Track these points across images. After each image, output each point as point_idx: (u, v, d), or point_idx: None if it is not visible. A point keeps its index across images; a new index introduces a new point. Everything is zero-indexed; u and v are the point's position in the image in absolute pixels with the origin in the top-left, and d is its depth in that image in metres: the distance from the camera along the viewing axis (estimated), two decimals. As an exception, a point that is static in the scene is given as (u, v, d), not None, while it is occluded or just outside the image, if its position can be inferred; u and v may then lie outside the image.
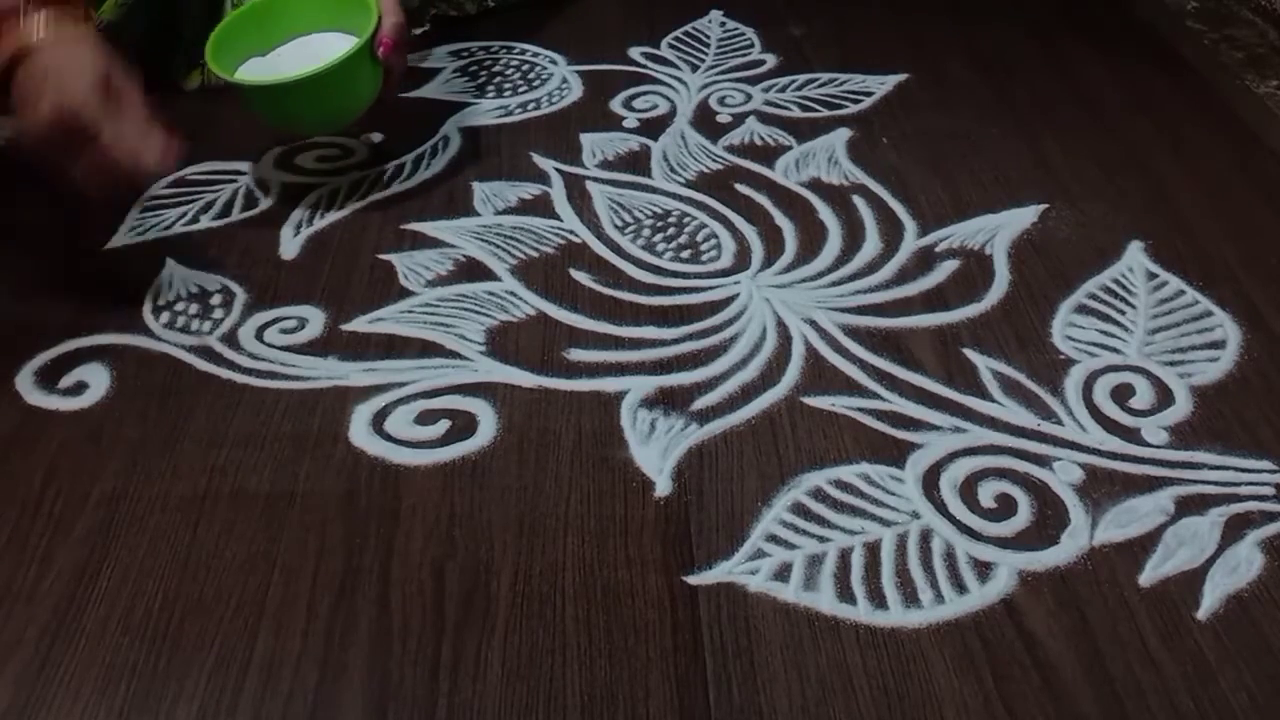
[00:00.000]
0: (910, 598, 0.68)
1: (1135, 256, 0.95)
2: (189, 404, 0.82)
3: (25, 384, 0.84)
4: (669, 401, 0.82)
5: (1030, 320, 0.89)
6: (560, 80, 1.23)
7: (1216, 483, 0.75)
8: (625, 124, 1.15)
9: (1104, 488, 0.75)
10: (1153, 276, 0.93)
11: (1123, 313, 0.89)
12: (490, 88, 1.21)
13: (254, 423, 0.81)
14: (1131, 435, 0.79)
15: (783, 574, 0.70)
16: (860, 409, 0.81)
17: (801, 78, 1.22)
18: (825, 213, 1.01)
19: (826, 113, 1.16)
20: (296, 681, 0.64)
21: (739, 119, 1.15)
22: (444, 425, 0.80)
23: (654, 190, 1.05)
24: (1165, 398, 0.82)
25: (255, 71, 1.02)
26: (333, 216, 1.02)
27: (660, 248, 0.97)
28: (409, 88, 1.20)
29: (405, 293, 0.92)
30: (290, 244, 0.98)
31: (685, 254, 0.96)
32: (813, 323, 0.89)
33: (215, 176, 1.07)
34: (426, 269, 0.95)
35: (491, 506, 0.74)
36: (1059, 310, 0.89)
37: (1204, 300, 0.90)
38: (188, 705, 0.63)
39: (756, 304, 0.91)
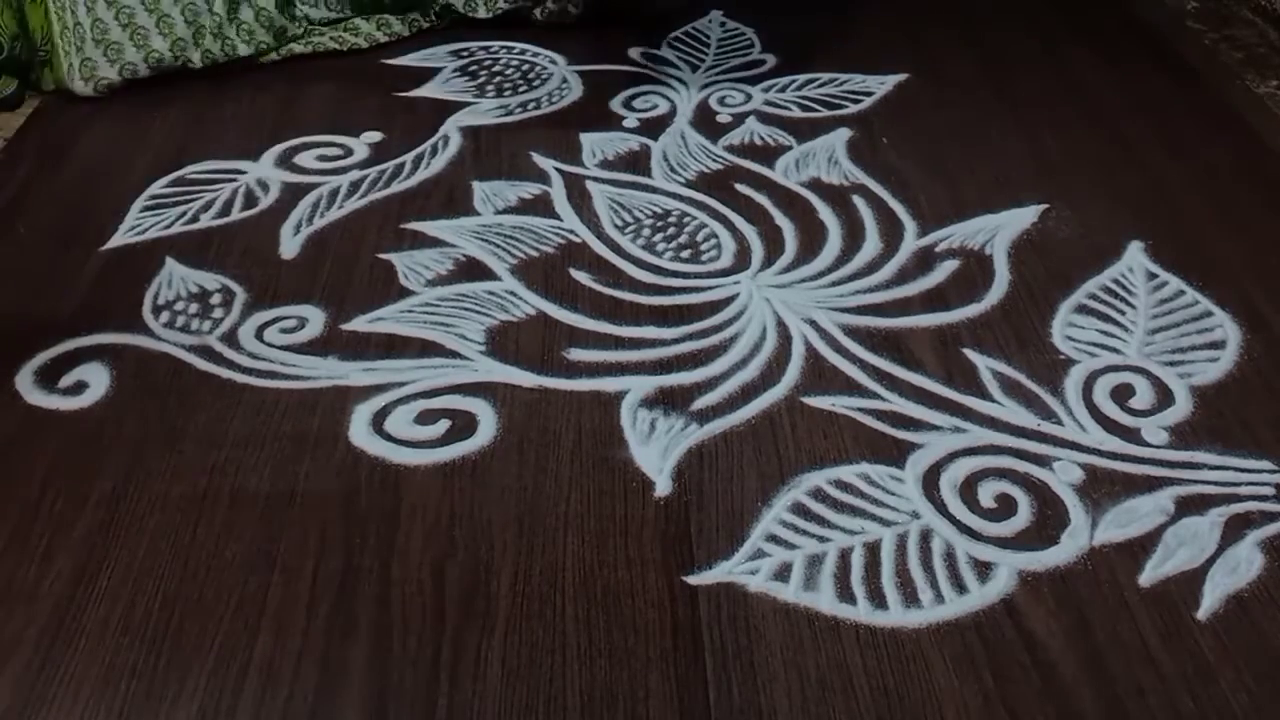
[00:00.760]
0: (910, 598, 0.68)
1: (1135, 256, 0.95)
2: (189, 404, 0.82)
3: (25, 384, 0.84)
4: (669, 401, 0.82)
5: (1030, 320, 0.89)
6: (560, 80, 1.23)
7: (1216, 483, 0.75)
8: (625, 124, 1.15)
9: (1104, 488, 0.75)
10: (1153, 276, 0.93)
11: (1123, 313, 0.89)
12: (490, 88, 1.21)
13: (254, 422, 0.80)
14: (1131, 435, 0.79)
15: (783, 574, 0.70)
16: (860, 409, 0.81)
17: (801, 78, 1.22)
18: (825, 213, 1.01)
19: (826, 113, 1.16)
20: (296, 681, 0.64)
21: (739, 119, 1.15)
22: (444, 425, 0.80)
23: (654, 190, 1.05)
24: (1165, 398, 0.82)
25: None
26: (333, 216, 1.02)
27: (660, 247, 0.97)
28: (409, 87, 1.20)
29: (405, 292, 0.92)
30: (290, 243, 0.98)
31: (685, 254, 0.96)
32: (813, 323, 0.89)
33: (215, 176, 1.07)
34: (426, 268, 0.95)
35: (491, 506, 0.74)
36: (1059, 310, 0.89)
37: (1204, 300, 0.90)
38: (188, 705, 0.63)
39: (756, 304, 0.91)
